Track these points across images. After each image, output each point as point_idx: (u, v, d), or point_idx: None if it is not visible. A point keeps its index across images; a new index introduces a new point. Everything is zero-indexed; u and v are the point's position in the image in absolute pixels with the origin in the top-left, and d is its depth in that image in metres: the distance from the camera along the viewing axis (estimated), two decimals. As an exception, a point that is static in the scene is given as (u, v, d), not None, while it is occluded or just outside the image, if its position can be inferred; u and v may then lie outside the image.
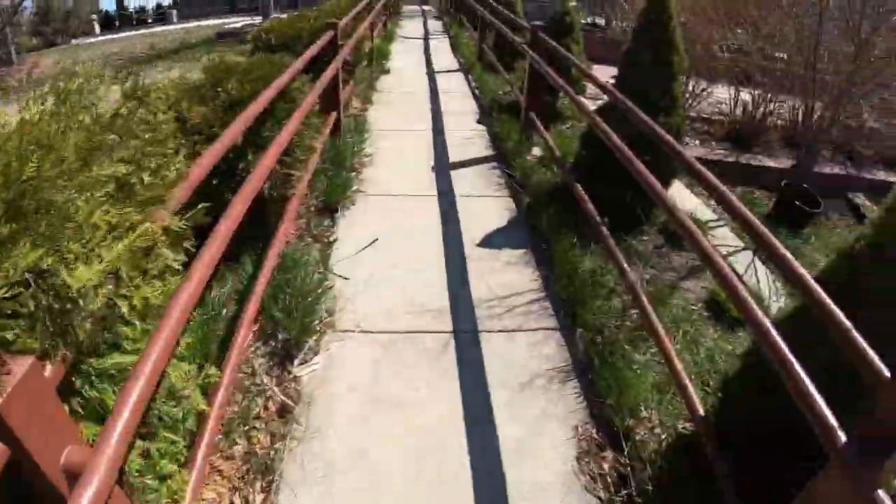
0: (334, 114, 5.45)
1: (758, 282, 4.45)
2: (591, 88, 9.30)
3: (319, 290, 3.31)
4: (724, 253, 4.82)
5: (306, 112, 3.94)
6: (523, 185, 4.85)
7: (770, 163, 7.65)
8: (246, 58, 5.30)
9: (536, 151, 5.58)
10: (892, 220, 1.80)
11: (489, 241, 4.06)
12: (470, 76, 9.43)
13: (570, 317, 3.31)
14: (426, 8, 25.46)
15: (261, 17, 19.56)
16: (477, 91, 8.39)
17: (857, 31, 5.92)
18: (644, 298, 3.01)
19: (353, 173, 5.03)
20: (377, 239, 3.97)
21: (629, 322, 3.31)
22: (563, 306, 3.41)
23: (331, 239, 4.04)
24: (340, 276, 3.58)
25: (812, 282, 1.64)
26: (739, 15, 8.60)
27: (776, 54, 8.90)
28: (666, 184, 4.41)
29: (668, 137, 2.87)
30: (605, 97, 4.01)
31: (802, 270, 1.68)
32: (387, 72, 9.53)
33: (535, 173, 4.95)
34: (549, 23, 7.17)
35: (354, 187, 4.76)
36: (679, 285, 3.97)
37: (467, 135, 6.32)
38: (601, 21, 17.64)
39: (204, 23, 22.77)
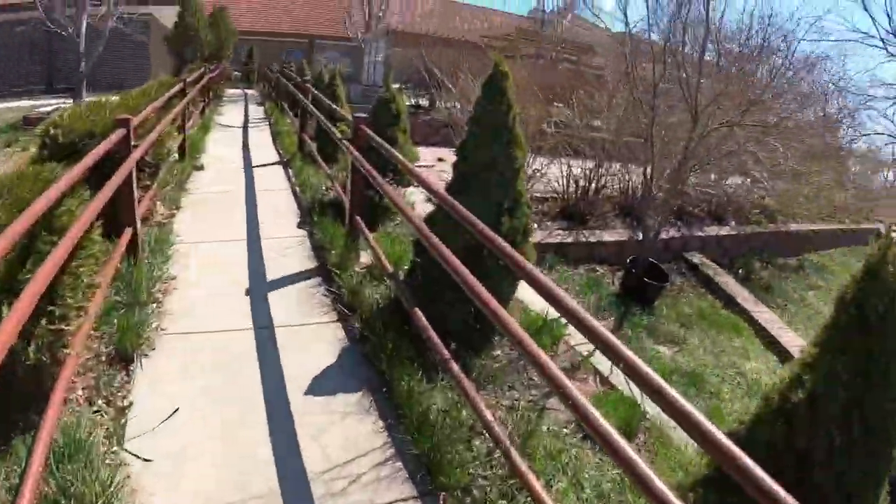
0: (129, 230, 4.62)
1: (627, 381, 4.29)
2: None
3: (112, 487, 2.47)
4: (585, 353, 4.65)
5: (75, 241, 3.13)
6: (352, 308, 4.26)
7: (607, 237, 7.90)
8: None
9: (365, 259, 5.07)
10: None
11: (319, 386, 3.43)
12: (290, 170, 8.82)
13: (430, 476, 2.79)
14: (250, 92, 24.84)
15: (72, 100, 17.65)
16: (298, 189, 7.74)
17: (693, 106, 6.20)
18: (507, 442, 2.58)
19: (154, 305, 4.21)
20: (178, 409, 3.14)
21: (501, 469, 2.86)
22: (419, 464, 2.87)
23: (125, 402, 3.18)
24: (139, 457, 2.78)
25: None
26: (564, 93, 8.97)
27: (602, 127, 9.36)
28: (512, 286, 4.15)
29: (509, 249, 2.56)
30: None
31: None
32: (200, 168, 8.68)
33: (366, 288, 4.40)
34: (374, 111, 6.80)
35: (155, 324, 3.95)
36: (545, 405, 3.64)
37: (287, 243, 5.67)
38: (425, 102, 18.05)
39: (15, 104, 20.07)
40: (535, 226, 7.97)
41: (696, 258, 9.10)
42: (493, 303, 2.54)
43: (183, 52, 22.43)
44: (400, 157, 3.99)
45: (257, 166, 9.05)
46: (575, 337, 4.80)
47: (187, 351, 3.74)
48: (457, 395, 3.28)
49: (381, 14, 29.53)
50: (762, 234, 11.23)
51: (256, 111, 17.62)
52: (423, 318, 3.37)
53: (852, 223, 14.45)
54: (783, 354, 7.03)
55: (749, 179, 10.68)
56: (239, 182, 7.98)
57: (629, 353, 1.67)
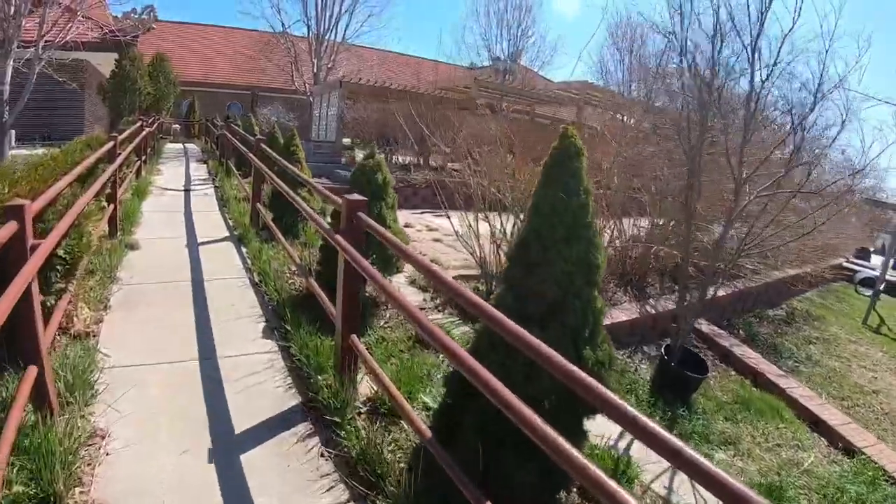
0: (33, 369, 3.25)
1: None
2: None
3: None
4: (662, 490, 3.62)
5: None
6: (369, 482, 2.92)
7: (620, 315, 6.98)
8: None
9: (364, 388, 3.78)
10: None
11: None
12: (244, 250, 7.37)
13: None
14: (191, 146, 23.35)
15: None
16: (257, 277, 6.26)
17: (738, 177, 5.31)
18: None
19: (77, 490, 2.86)
20: None
21: None
22: None
23: None
24: None
25: None
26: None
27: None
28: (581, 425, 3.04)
29: (596, 386, 1.71)
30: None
31: None
32: (134, 247, 7.20)
33: (384, 448, 3.11)
34: (354, 182, 5.38)
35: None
36: None
37: (254, 364, 4.24)
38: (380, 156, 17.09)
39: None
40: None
41: (705, 326, 8.29)
42: (586, 465, 1.66)
43: (119, 104, 20.79)
44: (442, 274, 2.77)
45: (204, 243, 7.62)
46: (647, 470, 3.74)
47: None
48: None
49: (330, 65, 28.72)
50: (753, 289, 10.72)
51: (199, 169, 16.16)
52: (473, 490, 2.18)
53: (820, 262, 14.24)
54: (831, 434, 6.23)
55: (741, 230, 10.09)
56: (183, 267, 6.52)
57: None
